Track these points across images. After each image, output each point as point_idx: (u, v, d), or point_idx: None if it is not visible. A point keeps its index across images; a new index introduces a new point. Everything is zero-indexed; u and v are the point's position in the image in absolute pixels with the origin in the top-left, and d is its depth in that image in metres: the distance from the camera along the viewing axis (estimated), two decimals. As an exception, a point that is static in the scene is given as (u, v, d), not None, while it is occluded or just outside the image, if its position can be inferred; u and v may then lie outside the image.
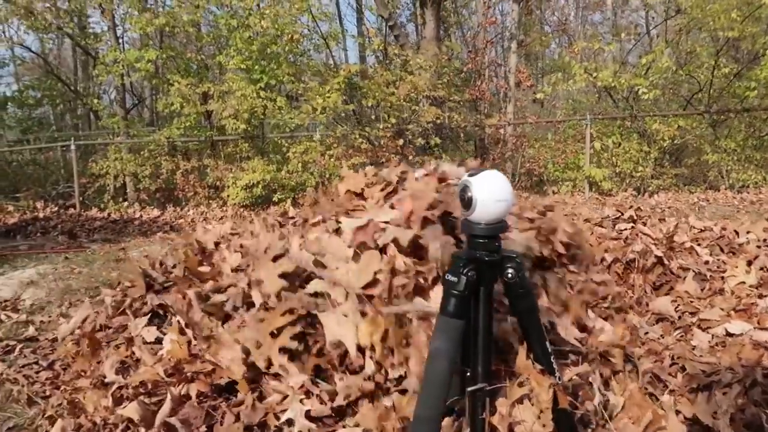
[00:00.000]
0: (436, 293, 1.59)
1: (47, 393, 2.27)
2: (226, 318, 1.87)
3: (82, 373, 2.04)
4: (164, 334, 1.95)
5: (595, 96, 12.63)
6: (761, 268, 2.53)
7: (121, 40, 15.53)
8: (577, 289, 1.92)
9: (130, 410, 1.54)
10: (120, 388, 1.71)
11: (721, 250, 2.85)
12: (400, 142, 10.19)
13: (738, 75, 10.68)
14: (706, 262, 2.67)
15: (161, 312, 2.11)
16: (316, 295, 1.68)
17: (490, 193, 1.14)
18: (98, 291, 3.75)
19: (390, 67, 11.38)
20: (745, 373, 1.64)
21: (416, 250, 1.69)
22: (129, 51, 11.66)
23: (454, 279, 1.17)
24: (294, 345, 1.60)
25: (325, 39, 12.50)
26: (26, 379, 2.38)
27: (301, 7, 10.82)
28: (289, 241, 1.86)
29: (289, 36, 10.56)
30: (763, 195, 8.18)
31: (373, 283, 1.62)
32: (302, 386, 1.54)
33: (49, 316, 3.28)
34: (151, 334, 1.96)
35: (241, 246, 2.12)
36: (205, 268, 2.18)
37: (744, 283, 2.46)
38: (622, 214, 3.46)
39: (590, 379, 1.53)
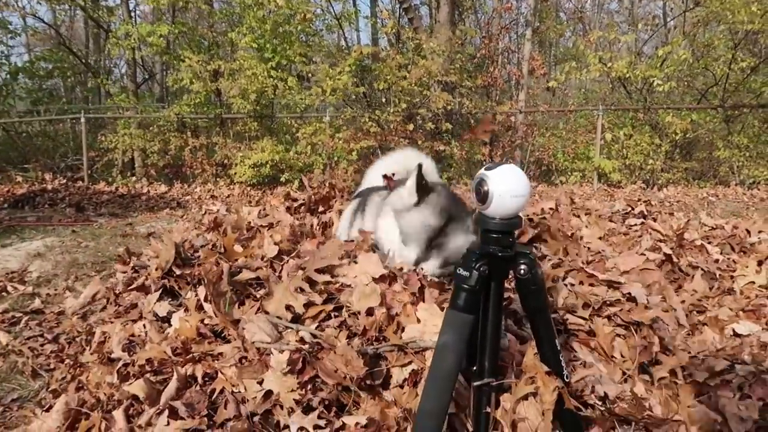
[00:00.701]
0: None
1: (52, 366, 2.28)
2: (247, 297, 1.89)
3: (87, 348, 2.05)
4: (177, 309, 1.95)
5: (608, 86, 12.48)
6: (772, 269, 2.50)
7: (133, 14, 15.49)
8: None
9: (136, 387, 1.54)
10: (126, 365, 1.71)
11: (732, 249, 2.81)
12: (410, 126, 10.12)
13: (755, 69, 10.52)
14: (716, 261, 2.64)
15: (176, 288, 2.10)
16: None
17: (507, 187, 1.11)
18: (105, 266, 3.77)
19: (403, 50, 11.26)
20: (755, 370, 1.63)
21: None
22: (141, 25, 11.57)
23: (465, 273, 1.15)
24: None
25: (338, 19, 12.38)
26: (31, 352, 2.40)
27: (316, -14, 10.70)
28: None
29: (302, 15, 10.46)
30: (774, 193, 8.11)
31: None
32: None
33: (56, 289, 3.30)
34: (163, 308, 1.96)
35: (298, 255, 2.14)
36: (238, 248, 2.20)
37: (754, 283, 2.43)
38: (633, 209, 3.43)
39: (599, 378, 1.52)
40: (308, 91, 10.32)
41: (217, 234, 2.63)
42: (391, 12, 14.93)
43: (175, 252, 2.15)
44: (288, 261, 2.07)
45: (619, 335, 1.80)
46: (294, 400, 1.46)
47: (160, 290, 2.06)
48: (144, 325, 1.83)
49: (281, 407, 1.48)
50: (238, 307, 1.79)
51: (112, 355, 1.80)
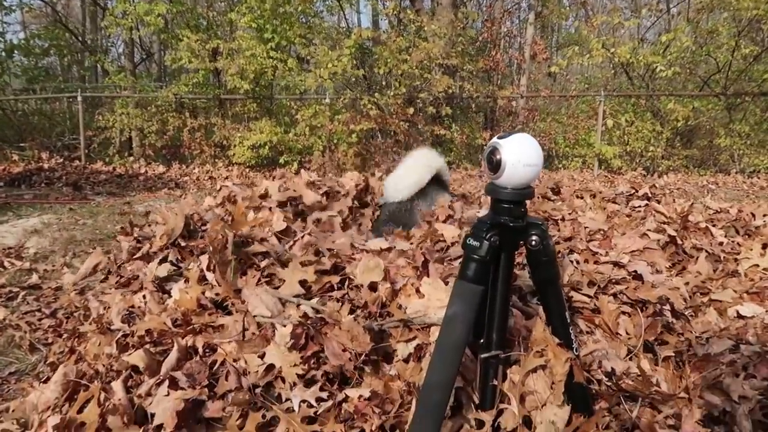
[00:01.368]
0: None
1: (50, 340, 2.27)
2: (250, 267, 1.87)
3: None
4: (179, 278, 1.93)
5: (610, 72, 12.40)
6: (777, 252, 2.48)
7: (130, -8, 15.21)
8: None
9: (136, 357, 1.52)
10: (125, 336, 1.69)
11: (737, 231, 2.79)
12: (411, 110, 10.05)
13: (758, 58, 10.45)
14: (720, 243, 2.62)
15: (180, 259, 2.08)
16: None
17: (520, 156, 1.09)
18: (103, 243, 3.74)
19: (403, 32, 11.15)
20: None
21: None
22: (139, 3, 11.39)
23: (476, 243, 1.13)
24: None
25: (339, 0, 12.24)
26: (29, 326, 2.38)
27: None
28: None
29: (303, -5, 10.33)
30: (774, 181, 8.10)
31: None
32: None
33: (53, 265, 3.27)
34: (164, 269, 1.94)
35: (311, 233, 2.14)
36: (251, 217, 2.18)
37: (758, 266, 2.42)
38: (637, 191, 3.40)
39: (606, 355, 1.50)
40: (308, 73, 10.23)
41: (229, 207, 2.60)
42: (393, -7, 14.75)
43: (183, 223, 2.12)
44: (303, 237, 2.05)
45: (624, 313, 1.78)
46: (296, 374, 1.44)
47: (164, 261, 2.04)
48: (144, 296, 1.80)
49: (283, 381, 1.46)
50: (241, 277, 1.77)
51: (112, 326, 1.77)
